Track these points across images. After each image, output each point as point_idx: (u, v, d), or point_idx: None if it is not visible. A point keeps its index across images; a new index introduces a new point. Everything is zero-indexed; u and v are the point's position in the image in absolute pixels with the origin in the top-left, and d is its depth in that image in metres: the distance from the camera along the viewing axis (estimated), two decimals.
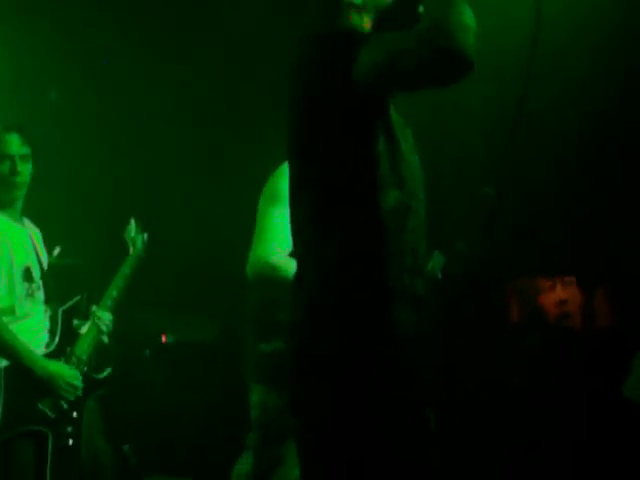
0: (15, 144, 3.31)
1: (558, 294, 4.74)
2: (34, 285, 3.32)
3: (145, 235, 3.87)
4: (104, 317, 3.52)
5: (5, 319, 3.21)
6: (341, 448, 1.95)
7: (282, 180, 2.93)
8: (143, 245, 3.84)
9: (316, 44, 2.10)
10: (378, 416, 1.95)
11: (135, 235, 3.85)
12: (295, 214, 2.16)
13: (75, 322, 3.51)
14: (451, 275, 4.66)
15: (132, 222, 3.88)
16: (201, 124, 5.30)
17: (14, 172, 3.28)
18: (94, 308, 3.55)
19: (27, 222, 3.49)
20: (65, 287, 3.64)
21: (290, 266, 2.75)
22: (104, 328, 3.50)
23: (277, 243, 2.90)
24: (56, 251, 3.63)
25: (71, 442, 3.28)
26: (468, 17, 1.87)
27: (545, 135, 4.71)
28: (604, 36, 4.45)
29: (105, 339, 3.52)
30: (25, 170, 3.33)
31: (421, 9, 2.02)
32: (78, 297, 3.54)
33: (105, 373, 3.54)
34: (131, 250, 3.81)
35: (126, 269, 3.71)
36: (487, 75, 4.57)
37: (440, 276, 4.11)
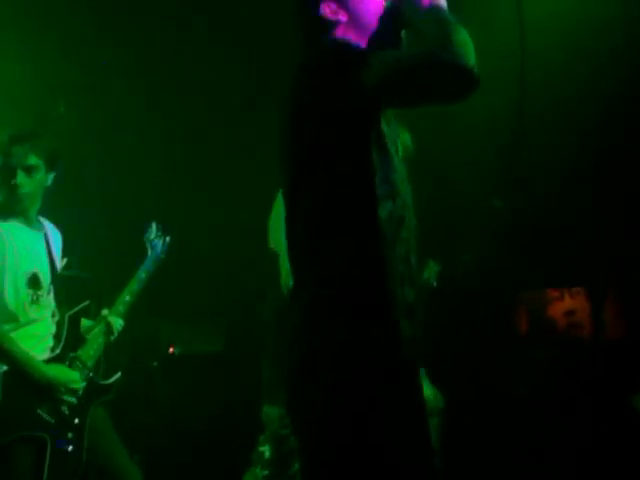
0: (18, 155, 3.30)
1: (566, 304, 4.73)
2: (40, 291, 3.31)
3: (167, 239, 3.87)
4: (115, 322, 3.52)
5: (8, 326, 3.19)
6: (336, 447, 1.96)
7: None
8: (164, 249, 3.84)
9: (318, 61, 2.11)
10: (374, 418, 1.95)
11: (155, 238, 3.85)
12: (291, 226, 2.18)
13: (84, 325, 3.51)
14: (459, 285, 4.68)
15: (153, 225, 3.88)
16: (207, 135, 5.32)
17: (14, 185, 3.28)
18: (105, 312, 3.54)
19: (46, 224, 3.46)
20: (75, 293, 3.62)
21: None
22: (113, 334, 3.50)
23: None
24: (62, 263, 3.62)
25: (71, 448, 3.22)
26: (466, 35, 1.91)
27: (553, 146, 4.70)
28: (607, 38, 4.45)
29: (112, 343, 3.51)
30: (28, 182, 3.30)
31: (402, 34, 2.10)
32: (87, 302, 3.52)
33: (112, 379, 3.51)
34: (149, 253, 3.81)
35: (142, 273, 3.70)
36: (493, 85, 4.58)
37: (435, 284, 4.12)
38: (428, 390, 2.86)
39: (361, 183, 2.02)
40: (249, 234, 4.47)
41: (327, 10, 2.13)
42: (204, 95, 5.26)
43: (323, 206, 2.05)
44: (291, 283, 2.37)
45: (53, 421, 3.18)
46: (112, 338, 3.49)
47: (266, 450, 3.20)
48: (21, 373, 3.13)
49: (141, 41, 5.16)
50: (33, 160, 3.30)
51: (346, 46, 2.13)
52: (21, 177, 3.26)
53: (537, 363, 4.70)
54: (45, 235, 3.41)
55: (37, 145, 3.30)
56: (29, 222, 3.35)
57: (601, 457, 4.20)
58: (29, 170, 3.29)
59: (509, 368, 4.70)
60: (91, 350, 3.40)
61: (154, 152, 5.29)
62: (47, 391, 3.18)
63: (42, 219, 3.44)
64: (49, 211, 3.47)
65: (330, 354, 1.98)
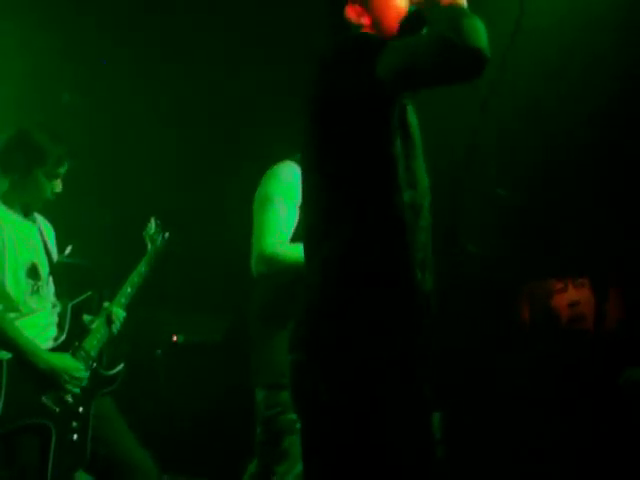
0: (65, 168, 3.38)
1: (570, 296, 4.72)
2: (40, 282, 3.32)
3: (166, 234, 3.89)
4: (117, 314, 3.53)
5: (10, 315, 3.21)
6: (339, 439, 1.98)
7: (272, 182, 3.10)
8: (163, 243, 3.86)
9: (339, 46, 2.16)
10: (379, 409, 1.97)
11: (154, 233, 3.87)
12: (310, 213, 2.19)
13: (86, 318, 3.52)
14: (464, 276, 4.67)
15: (152, 220, 3.91)
16: (214, 124, 5.32)
17: (54, 193, 3.37)
18: (106, 304, 3.56)
19: (39, 218, 3.49)
20: (77, 284, 3.64)
21: (288, 255, 2.83)
22: (116, 325, 3.51)
23: (273, 236, 3.00)
24: (67, 250, 3.63)
25: (76, 437, 3.25)
26: (480, 23, 1.95)
27: (560, 136, 4.70)
28: (605, 35, 4.46)
29: (115, 334, 3.53)
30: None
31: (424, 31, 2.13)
32: (89, 293, 3.54)
33: (116, 370, 3.52)
34: (149, 248, 3.82)
35: (142, 267, 3.73)
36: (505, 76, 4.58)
37: None
38: None
39: (385, 170, 2.06)
40: (250, 224, 4.46)
41: (352, 13, 2.19)
42: (207, 91, 5.28)
43: (343, 193, 2.08)
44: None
45: (58, 410, 3.20)
46: (115, 330, 3.50)
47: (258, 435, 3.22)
48: (25, 361, 3.15)
49: (142, 39, 5.18)
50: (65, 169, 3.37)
51: (365, 35, 2.18)
52: (60, 186, 3.33)
53: (539, 355, 4.70)
54: (39, 228, 3.42)
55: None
56: (26, 215, 3.37)
57: (602, 452, 4.20)
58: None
59: (511, 359, 4.69)
60: (94, 340, 3.42)
61: (154, 144, 5.29)
62: (51, 379, 3.20)
63: (35, 213, 3.46)
64: (50, 204, 3.48)
65: (345, 337, 1.99)
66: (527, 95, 4.72)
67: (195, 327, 5.18)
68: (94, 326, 3.48)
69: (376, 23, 2.20)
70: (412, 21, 2.19)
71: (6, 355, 3.16)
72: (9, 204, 3.32)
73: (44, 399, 3.19)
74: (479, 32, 1.92)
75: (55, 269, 3.42)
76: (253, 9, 4.93)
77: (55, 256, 3.49)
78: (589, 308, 4.66)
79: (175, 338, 5.06)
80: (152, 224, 3.91)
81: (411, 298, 2.04)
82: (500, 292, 4.86)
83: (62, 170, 3.37)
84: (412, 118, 2.15)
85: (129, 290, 3.62)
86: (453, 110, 4.21)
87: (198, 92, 5.31)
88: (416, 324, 2.05)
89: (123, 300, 3.59)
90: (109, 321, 3.51)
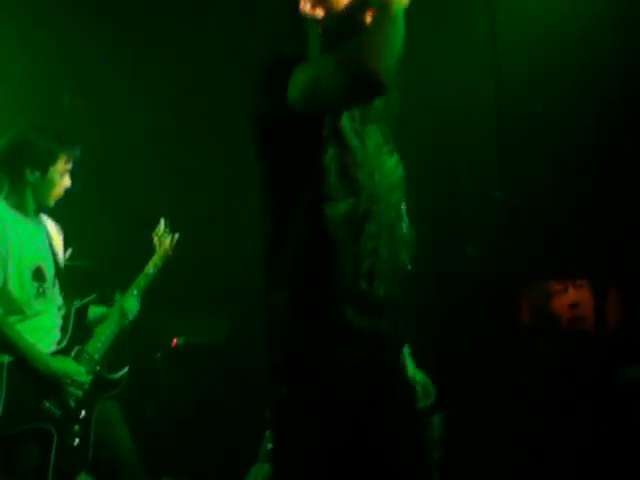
0: (72, 161, 3.37)
1: (570, 297, 4.72)
2: (45, 284, 3.31)
3: (176, 235, 3.89)
4: (130, 304, 3.55)
5: (13, 318, 3.20)
6: (298, 446, 1.99)
7: None
8: (171, 245, 3.86)
9: (263, 63, 2.13)
10: (322, 416, 1.98)
11: (163, 234, 3.87)
12: (263, 228, 2.19)
13: (97, 312, 3.52)
14: (464, 277, 4.68)
15: (162, 222, 3.90)
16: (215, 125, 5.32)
17: (65, 189, 3.36)
18: (118, 296, 3.57)
19: (45, 219, 3.48)
20: (79, 287, 3.63)
21: None
22: (128, 317, 3.52)
23: None
24: (67, 253, 3.62)
25: (77, 442, 3.23)
26: (391, 38, 1.86)
27: (560, 136, 4.70)
28: (604, 34, 4.45)
29: (126, 327, 3.54)
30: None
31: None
32: (93, 295, 3.53)
33: (120, 373, 3.51)
34: (157, 249, 3.83)
35: (150, 268, 3.73)
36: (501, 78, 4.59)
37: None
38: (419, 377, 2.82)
39: (310, 184, 2.02)
40: (251, 225, 4.45)
41: (306, 7, 2.13)
42: (208, 90, 5.26)
43: (277, 209, 2.08)
44: None
45: (59, 414, 3.18)
46: (127, 322, 3.50)
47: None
48: (26, 365, 3.13)
49: (142, 39, 5.17)
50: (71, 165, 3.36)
51: (282, 53, 2.11)
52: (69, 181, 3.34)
53: (540, 355, 4.70)
54: (45, 229, 3.41)
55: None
56: (32, 217, 3.36)
57: (601, 452, 4.20)
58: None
59: (511, 360, 4.69)
60: (98, 343, 3.40)
61: (154, 144, 5.29)
62: (52, 383, 3.18)
63: (41, 214, 3.45)
64: (55, 204, 3.48)
65: (287, 353, 2.03)
66: (527, 96, 4.72)
67: (195, 330, 5.18)
68: (99, 328, 3.47)
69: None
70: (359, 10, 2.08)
71: (7, 358, 3.15)
72: (13, 205, 3.31)
73: (45, 403, 3.17)
74: (383, 48, 1.83)
75: (60, 271, 3.41)
76: (253, 9, 4.92)
77: (61, 257, 3.48)
78: (589, 309, 4.66)
79: (175, 341, 5.05)
80: (161, 225, 3.90)
81: (350, 307, 2.00)
82: (500, 292, 4.86)
83: (69, 166, 3.37)
84: (351, 123, 2.08)
85: (142, 283, 3.64)
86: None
87: (199, 91, 5.30)
88: (357, 333, 2.01)
89: (136, 292, 3.62)
90: (121, 314, 3.53)
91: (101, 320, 3.51)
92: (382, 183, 2.11)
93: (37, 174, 3.27)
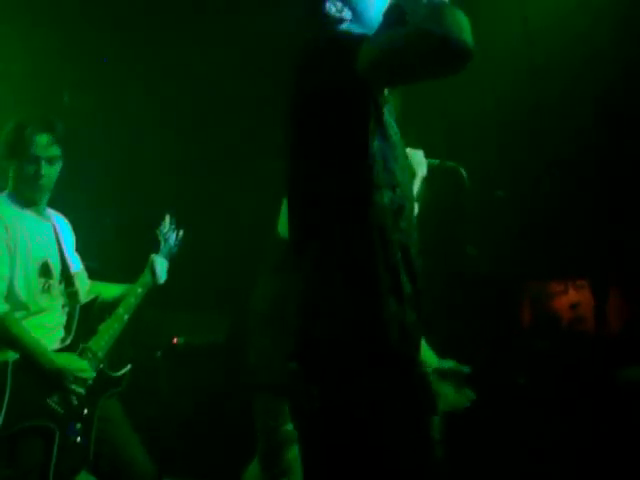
0: (43, 146, 3.28)
1: (570, 297, 4.72)
2: (52, 280, 3.31)
3: (180, 232, 3.89)
4: (160, 262, 3.65)
5: (19, 314, 3.20)
6: (336, 443, 1.97)
7: None
8: (176, 241, 3.86)
9: (316, 45, 2.14)
10: (374, 410, 1.97)
11: (168, 231, 3.87)
12: (292, 208, 2.18)
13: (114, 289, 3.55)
14: (464, 276, 4.67)
15: (167, 218, 3.89)
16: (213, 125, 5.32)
17: (38, 175, 3.27)
18: (153, 256, 3.67)
19: (53, 215, 3.47)
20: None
21: None
22: (159, 275, 3.65)
23: None
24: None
25: (79, 439, 3.22)
26: (462, 15, 1.92)
27: (560, 135, 4.70)
28: (606, 35, 4.46)
29: (159, 284, 3.65)
30: (51, 172, 3.31)
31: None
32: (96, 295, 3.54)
33: (122, 372, 3.51)
34: (162, 245, 3.83)
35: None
36: (502, 77, 4.59)
37: None
38: (446, 388, 2.79)
39: (359, 170, 2.03)
40: (253, 224, 4.46)
41: (332, 8, 2.16)
42: (209, 89, 5.26)
43: (323, 191, 2.06)
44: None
45: (62, 411, 3.18)
46: (160, 279, 3.64)
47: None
48: (30, 361, 3.13)
49: (142, 39, 5.17)
50: (57, 151, 3.31)
51: (343, 32, 2.15)
52: (45, 168, 3.26)
53: (539, 355, 4.70)
54: (53, 225, 3.41)
55: (59, 135, 3.31)
56: (39, 212, 3.36)
57: (601, 452, 4.20)
58: (51, 161, 3.30)
59: (511, 359, 4.69)
60: (102, 341, 3.40)
61: (155, 143, 5.29)
62: (56, 380, 3.18)
63: (50, 210, 3.44)
64: (58, 201, 3.47)
65: (325, 341, 2.02)
66: (527, 95, 4.72)
67: (196, 328, 5.18)
68: (103, 326, 3.46)
69: (357, 17, 2.18)
70: (393, 14, 2.16)
71: (13, 356, 3.14)
72: (19, 202, 3.31)
73: (48, 400, 3.16)
74: (461, 24, 1.88)
75: (67, 268, 3.40)
76: (255, 8, 4.92)
77: (70, 253, 3.47)
78: (589, 309, 4.66)
79: (175, 340, 5.05)
80: (166, 222, 3.89)
81: (386, 297, 2.01)
82: (500, 292, 4.86)
83: (46, 151, 3.29)
84: (390, 120, 2.12)
85: (140, 291, 3.64)
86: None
87: (199, 91, 5.30)
88: (394, 324, 2.02)
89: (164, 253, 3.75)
90: (152, 271, 3.61)
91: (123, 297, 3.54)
92: (409, 183, 2.17)
93: (38, 168, 3.26)
